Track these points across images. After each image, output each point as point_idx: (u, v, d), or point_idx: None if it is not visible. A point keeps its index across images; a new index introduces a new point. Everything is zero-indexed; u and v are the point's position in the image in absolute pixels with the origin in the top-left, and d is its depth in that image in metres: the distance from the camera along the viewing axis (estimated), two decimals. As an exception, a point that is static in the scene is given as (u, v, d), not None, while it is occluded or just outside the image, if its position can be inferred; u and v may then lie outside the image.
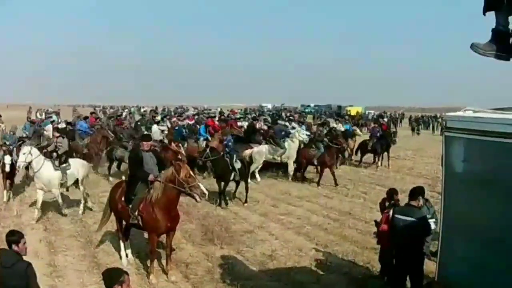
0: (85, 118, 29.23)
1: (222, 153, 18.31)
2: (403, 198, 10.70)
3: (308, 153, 22.30)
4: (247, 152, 21.76)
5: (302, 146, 22.96)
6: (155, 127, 24.00)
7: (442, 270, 5.74)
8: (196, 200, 10.46)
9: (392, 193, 10.73)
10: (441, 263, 5.77)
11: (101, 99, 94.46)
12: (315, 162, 22.28)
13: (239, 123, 31.41)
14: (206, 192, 10.56)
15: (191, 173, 10.41)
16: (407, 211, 7.98)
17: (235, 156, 17.94)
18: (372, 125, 35.17)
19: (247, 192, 17.94)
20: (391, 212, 9.89)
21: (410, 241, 7.53)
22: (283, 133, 24.08)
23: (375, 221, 10.80)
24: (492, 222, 5.06)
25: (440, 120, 45.12)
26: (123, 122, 32.21)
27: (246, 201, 17.73)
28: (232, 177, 17.77)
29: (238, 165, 17.73)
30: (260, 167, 22.47)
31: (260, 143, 23.26)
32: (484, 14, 5.53)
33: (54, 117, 32.18)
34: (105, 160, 23.53)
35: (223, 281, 10.50)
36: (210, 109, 64.73)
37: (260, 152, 22.23)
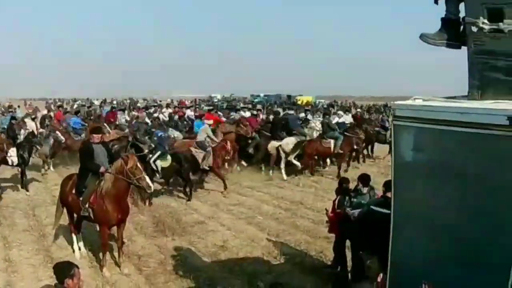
0: (76, 113, 27.98)
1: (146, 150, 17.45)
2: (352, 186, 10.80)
3: (322, 145, 21.04)
4: (274, 144, 20.98)
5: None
6: (206, 126, 20.21)
7: (393, 260, 5.76)
8: (144, 191, 10.53)
9: (342, 182, 10.81)
10: (393, 252, 5.78)
11: (50, 92, 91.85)
12: (334, 153, 21.15)
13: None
14: (151, 185, 10.57)
15: (138, 165, 10.40)
16: (385, 203, 7.97)
17: (159, 153, 17.02)
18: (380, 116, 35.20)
19: (190, 190, 17.27)
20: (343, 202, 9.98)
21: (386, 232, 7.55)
22: (299, 122, 23.76)
23: (326, 209, 10.85)
24: (443, 211, 5.07)
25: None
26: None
27: (189, 199, 16.99)
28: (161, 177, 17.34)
29: (166, 163, 16.89)
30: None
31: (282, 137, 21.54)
32: (436, 3, 5.56)
33: (19, 113, 31.34)
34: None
35: (175, 272, 10.47)
36: (160, 100, 64.32)
37: (290, 143, 20.90)
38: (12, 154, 16.96)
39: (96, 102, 57.62)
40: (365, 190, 9.89)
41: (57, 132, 21.85)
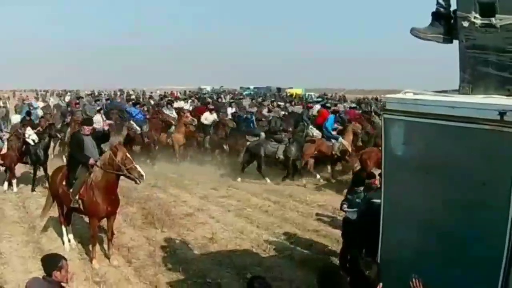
0: (135, 104, 25.89)
1: None
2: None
3: None
4: None
5: None
6: None
7: (383, 254, 5.77)
8: (135, 182, 10.45)
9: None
10: (383, 246, 5.79)
11: (40, 83, 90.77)
12: None
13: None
14: (144, 174, 10.47)
15: (128, 155, 10.35)
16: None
17: None
18: None
19: None
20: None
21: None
22: None
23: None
24: (432, 205, 5.09)
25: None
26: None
27: None
28: None
29: None
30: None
31: None
32: None
33: (35, 104, 30.43)
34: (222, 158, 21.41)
35: (165, 265, 10.46)
36: (151, 92, 63.96)
37: None
38: (30, 133, 16.73)
39: (86, 92, 57.29)
40: (360, 189, 9.76)
41: (131, 121, 21.19)
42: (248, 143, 19.16)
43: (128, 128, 20.93)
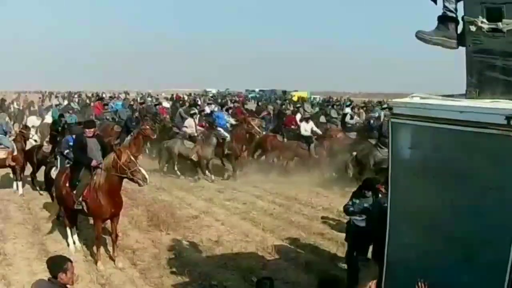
0: (226, 108, 25.35)
1: None
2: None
3: None
4: None
5: None
6: None
7: (389, 255, 5.77)
8: (139, 184, 10.48)
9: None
10: (389, 248, 5.79)
11: (41, 85, 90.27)
12: None
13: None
14: (147, 177, 10.53)
15: (132, 157, 10.39)
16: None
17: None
18: None
19: None
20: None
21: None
22: None
23: None
24: (438, 209, 5.08)
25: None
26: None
27: None
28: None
29: None
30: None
31: None
32: (435, 2, 5.52)
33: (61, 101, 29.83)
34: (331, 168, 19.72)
35: (170, 267, 10.46)
36: (157, 94, 63.88)
37: None
38: (33, 133, 16.79)
39: (91, 94, 57.19)
40: (369, 194, 9.69)
41: (220, 129, 19.92)
42: (354, 152, 18.49)
43: (216, 135, 19.63)
